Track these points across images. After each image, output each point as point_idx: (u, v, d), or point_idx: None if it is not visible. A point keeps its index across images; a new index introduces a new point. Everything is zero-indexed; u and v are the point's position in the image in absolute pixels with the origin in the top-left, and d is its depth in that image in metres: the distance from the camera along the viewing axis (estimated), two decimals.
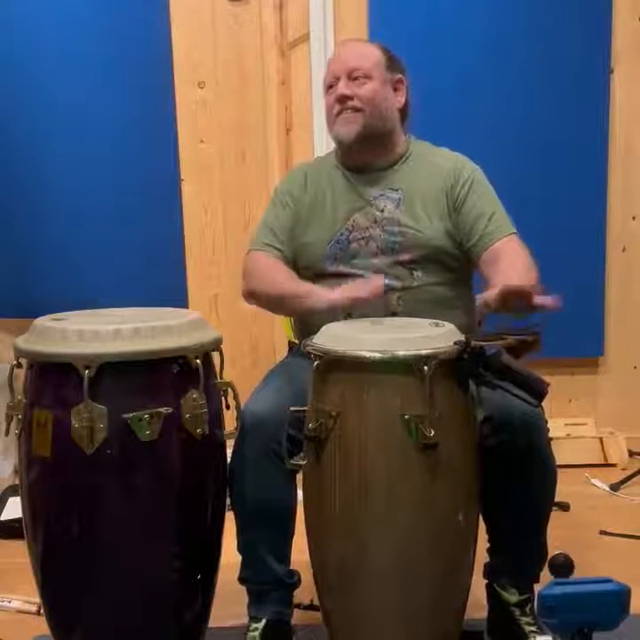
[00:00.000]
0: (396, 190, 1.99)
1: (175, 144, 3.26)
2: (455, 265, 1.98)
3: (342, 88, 1.96)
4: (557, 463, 1.83)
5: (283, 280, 1.95)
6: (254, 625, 1.84)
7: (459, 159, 2.03)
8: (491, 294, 1.62)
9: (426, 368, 1.51)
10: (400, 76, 2.03)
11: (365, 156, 2.01)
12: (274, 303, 2.02)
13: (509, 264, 1.86)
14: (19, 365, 1.69)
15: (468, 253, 1.96)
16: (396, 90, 2.02)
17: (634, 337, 3.42)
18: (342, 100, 1.97)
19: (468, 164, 2.03)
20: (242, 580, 1.87)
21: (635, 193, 3.36)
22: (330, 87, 2.01)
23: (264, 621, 1.83)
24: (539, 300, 1.61)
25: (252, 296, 2.01)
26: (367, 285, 1.82)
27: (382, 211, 1.98)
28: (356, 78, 1.97)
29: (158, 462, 1.62)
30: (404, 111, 2.05)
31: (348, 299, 1.80)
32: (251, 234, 2.13)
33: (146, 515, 1.63)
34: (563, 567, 1.60)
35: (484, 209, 1.95)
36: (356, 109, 1.96)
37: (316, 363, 1.59)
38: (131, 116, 3.19)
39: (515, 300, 1.61)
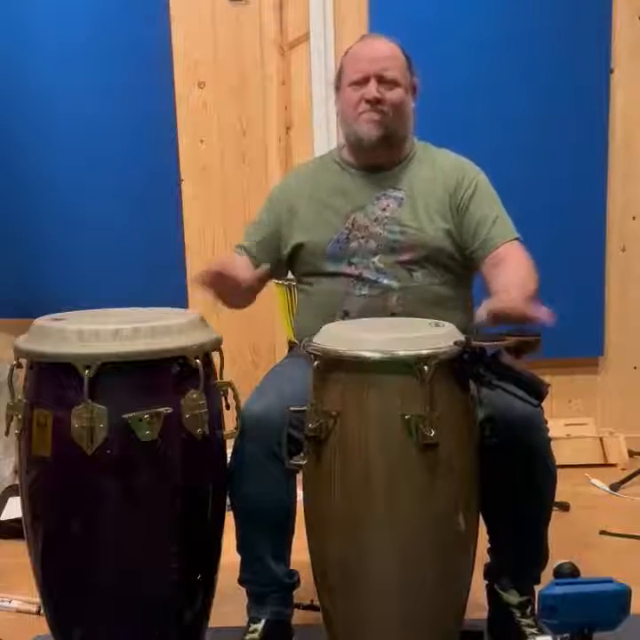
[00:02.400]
0: (399, 190, 1.99)
1: (175, 144, 3.26)
2: (455, 266, 1.98)
3: (374, 91, 1.93)
4: (557, 463, 1.83)
5: None
6: (254, 626, 1.83)
7: (462, 162, 2.03)
8: (483, 314, 1.62)
9: (426, 368, 1.51)
10: (416, 79, 2.02)
11: (378, 156, 2.00)
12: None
13: (510, 270, 1.86)
14: (19, 365, 1.69)
15: (471, 257, 1.95)
16: (412, 94, 2.02)
17: (634, 337, 3.43)
18: (374, 102, 1.94)
19: (472, 167, 2.02)
20: (241, 581, 1.87)
21: (635, 193, 3.36)
22: (355, 83, 1.97)
23: (263, 622, 1.83)
24: (532, 314, 1.60)
25: None
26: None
27: (384, 209, 1.97)
28: (386, 81, 1.94)
29: (158, 462, 1.62)
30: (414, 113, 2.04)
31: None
32: None
33: (146, 515, 1.63)
34: (568, 576, 1.60)
35: (487, 213, 1.95)
36: (383, 112, 1.95)
37: (315, 363, 1.59)
38: (131, 116, 3.19)
39: (506, 319, 1.61)
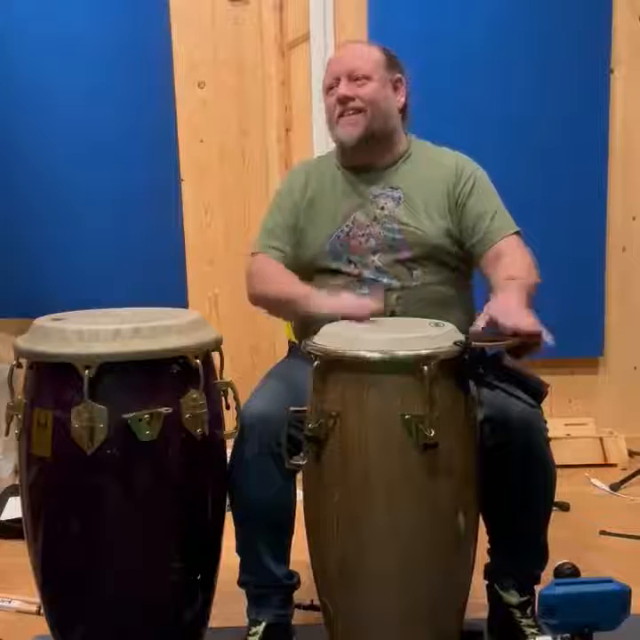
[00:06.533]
0: (397, 189, 1.99)
1: (175, 144, 3.26)
2: (455, 264, 1.98)
3: (343, 89, 1.96)
4: (557, 463, 1.83)
5: (283, 283, 1.95)
6: (254, 628, 1.83)
7: (460, 158, 2.03)
8: (481, 323, 1.59)
9: (426, 368, 1.51)
10: (399, 75, 2.03)
11: (366, 156, 2.00)
12: (275, 306, 2.02)
13: (509, 264, 1.85)
14: (19, 365, 1.69)
15: (470, 252, 1.95)
16: (395, 89, 2.02)
17: (634, 337, 3.43)
18: (343, 100, 1.96)
19: (470, 162, 2.02)
20: (241, 582, 1.86)
21: (635, 193, 3.36)
22: (330, 88, 2.00)
23: (264, 625, 1.82)
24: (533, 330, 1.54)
25: (257, 300, 2.01)
26: (368, 303, 1.78)
27: (382, 208, 1.97)
28: (356, 79, 1.96)
29: (158, 462, 1.62)
30: (403, 110, 2.04)
31: (347, 314, 1.75)
32: (251, 234, 2.13)
33: (146, 515, 1.63)
34: (569, 576, 1.60)
35: (486, 208, 1.95)
36: (358, 110, 1.96)
37: (315, 363, 1.59)
38: (131, 116, 3.19)
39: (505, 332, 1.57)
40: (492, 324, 1.57)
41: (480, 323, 1.59)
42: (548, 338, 1.55)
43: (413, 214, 1.96)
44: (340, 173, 2.05)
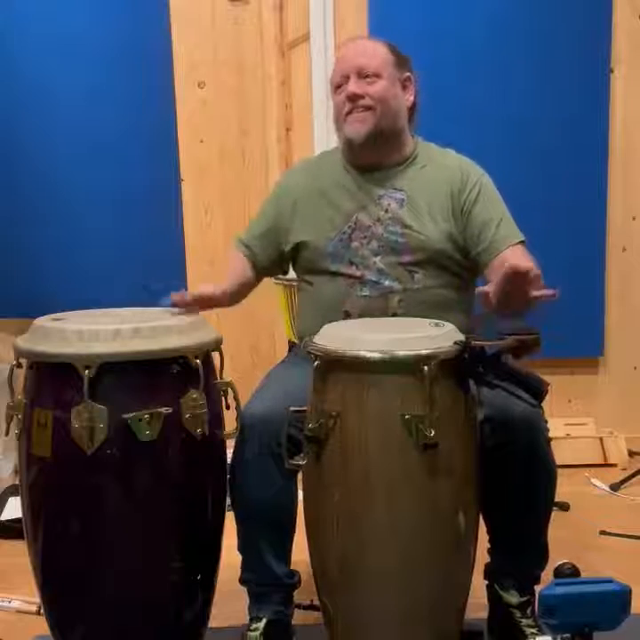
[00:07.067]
0: (401, 191, 1.98)
1: (175, 144, 3.26)
2: (456, 268, 1.97)
3: (353, 87, 1.94)
4: (557, 463, 1.82)
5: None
6: (255, 625, 1.83)
7: (464, 162, 2.02)
8: (492, 285, 1.60)
9: (426, 368, 1.51)
10: (408, 74, 2.01)
11: (373, 155, 1.99)
12: None
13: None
14: (19, 365, 1.69)
15: (476, 261, 1.94)
16: (404, 88, 2.00)
17: (634, 337, 3.43)
18: (353, 98, 1.94)
19: (475, 168, 2.01)
20: (242, 580, 1.87)
21: (635, 193, 3.36)
22: (338, 86, 1.98)
23: (265, 621, 1.83)
24: (538, 291, 1.58)
25: None
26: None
27: (386, 210, 1.96)
28: (365, 76, 1.94)
29: (158, 462, 1.62)
30: (411, 110, 2.03)
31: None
32: None
33: (146, 515, 1.63)
34: (569, 576, 1.60)
35: (491, 215, 1.94)
36: (367, 108, 1.94)
37: (316, 363, 1.59)
38: (131, 116, 3.19)
39: (516, 286, 1.57)
40: (504, 276, 1.57)
41: (488, 287, 1.59)
42: (551, 292, 1.55)
43: (417, 217, 1.95)
44: (345, 172, 2.03)
